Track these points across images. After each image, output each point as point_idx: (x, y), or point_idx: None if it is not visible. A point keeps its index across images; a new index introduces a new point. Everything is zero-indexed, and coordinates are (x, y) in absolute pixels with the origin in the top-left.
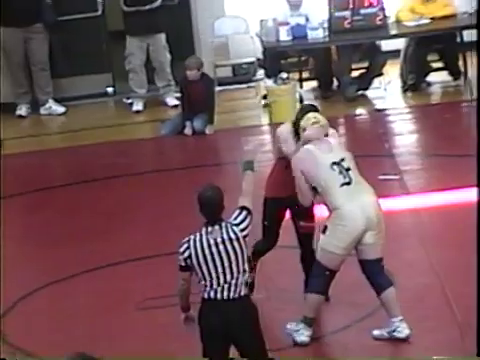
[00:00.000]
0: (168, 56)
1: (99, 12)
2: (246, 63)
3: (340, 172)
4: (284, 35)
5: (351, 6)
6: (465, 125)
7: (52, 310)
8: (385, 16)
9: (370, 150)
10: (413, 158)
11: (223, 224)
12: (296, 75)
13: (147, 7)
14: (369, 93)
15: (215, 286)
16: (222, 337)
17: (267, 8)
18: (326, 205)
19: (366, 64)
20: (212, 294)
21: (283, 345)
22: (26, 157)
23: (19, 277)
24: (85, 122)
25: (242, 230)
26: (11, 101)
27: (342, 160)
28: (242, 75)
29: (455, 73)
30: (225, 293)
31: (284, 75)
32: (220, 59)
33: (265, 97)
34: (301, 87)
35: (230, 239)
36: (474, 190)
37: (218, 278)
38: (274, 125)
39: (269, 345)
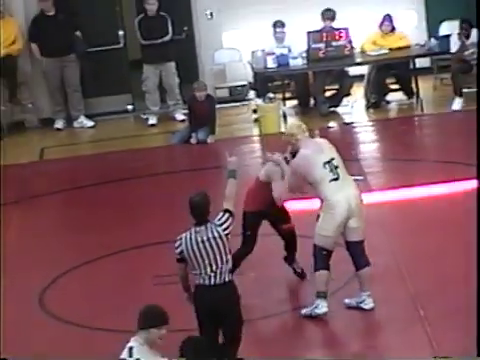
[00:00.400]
0: (177, 80)
1: (121, 44)
2: (240, 85)
3: (330, 170)
4: (271, 63)
5: (324, 39)
6: (417, 135)
7: (85, 286)
8: (352, 47)
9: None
10: (375, 162)
11: (208, 225)
12: (280, 95)
13: (160, 40)
14: (339, 109)
15: (203, 274)
16: (213, 316)
17: (257, 41)
18: (318, 196)
19: (337, 86)
20: (202, 281)
21: (268, 313)
22: (62, 162)
23: (57, 259)
24: (110, 133)
25: (224, 229)
26: (49, 117)
27: (332, 159)
28: (237, 95)
29: (409, 93)
30: (212, 280)
31: (271, 95)
32: (219, 82)
33: (255, 113)
34: (284, 105)
35: (214, 237)
36: (424, 188)
37: (205, 268)
38: (263, 135)
39: (254, 313)
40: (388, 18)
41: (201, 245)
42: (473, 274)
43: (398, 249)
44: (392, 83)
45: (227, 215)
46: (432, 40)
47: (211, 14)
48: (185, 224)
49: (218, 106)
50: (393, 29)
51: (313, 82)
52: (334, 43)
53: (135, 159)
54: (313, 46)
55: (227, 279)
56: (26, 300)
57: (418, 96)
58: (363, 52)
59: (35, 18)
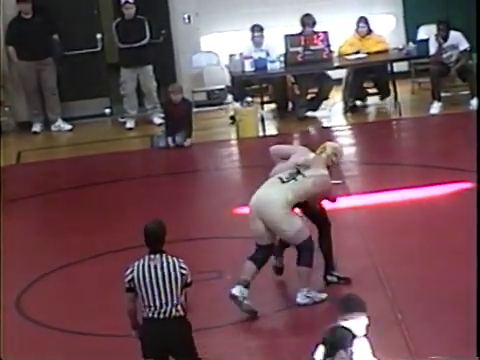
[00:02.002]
0: (155, 84)
1: (99, 48)
2: (218, 89)
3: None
4: (248, 67)
5: (303, 43)
6: (395, 139)
7: (62, 289)
8: (330, 51)
9: None
10: (353, 166)
11: (164, 255)
12: (258, 99)
13: (137, 44)
14: (317, 113)
15: (152, 306)
16: (159, 352)
17: (235, 45)
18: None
19: (316, 90)
20: (151, 314)
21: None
22: (40, 166)
23: (34, 262)
24: (88, 137)
25: (182, 268)
26: (27, 120)
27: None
28: (214, 99)
29: (384, 95)
30: (162, 313)
31: (248, 99)
32: (197, 86)
33: (233, 117)
34: (262, 109)
35: (168, 267)
36: (402, 192)
37: (155, 298)
38: (241, 139)
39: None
40: (363, 20)
41: (153, 272)
42: (451, 277)
43: (376, 253)
44: (370, 87)
45: (188, 272)
46: (410, 44)
47: (189, 18)
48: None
49: (196, 110)
50: (369, 31)
51: (292, 86)
52: (312, 47)
53: (113, 162)
54: (291, 50)
55: (178, 314)
56: (3, 303)
57: (396, 100)
58: (341, 56)
59: (12, 21)
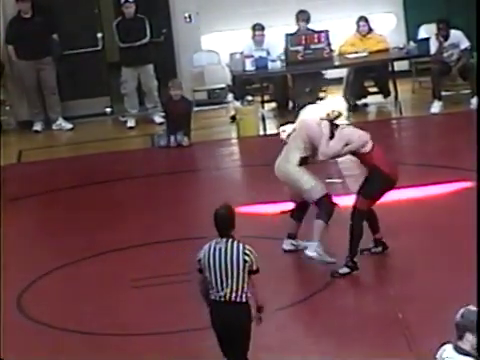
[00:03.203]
0: (155, 83)
1: (99, 47)
2: (218, 88)
3: None
4: (249, 66)
5: (303, 42)
6: (396, 138)
7: (63, 289)
8: (331, 50)
9: None
10: (353, 165)
11: (231, 240)
12: (259, 98)
13: (138, 43)
14: None
15: (214, 289)
16: (221, 334)
17: (235, 44)
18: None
19: (315, 88)
20: (213, 296)
21: None
22: (41, 165)
23: (35, 261)
24: (88, 136)
25: (245, 255)
26: (28, 119)
27: None
28: (215, 98)
29: (386, 94)
30: (224, 296)
31: (249, 98)
32: (197, 85)
33: (234, 116)
34: (263, 108)
35: (231, 252)
36: (403, 191)
37: (216, 283)
38: (241, 138)
39: None
40: (364, 19)
41: (217, 256)
42: (452, 276)
43: (377, 252)
44: (371, 86)
45: (255, 259)
46: (411, 43)
47: (190, 17)
48: (163, 227)
49: (197, 109)
50: (370, 30)
51: (292, 85)
52: (313, 46)
53: (113, 162)
54: (291, 49)
55: (238, 300)
56: (4, 302)
57: (397, 99)
58: (341, 55)
59: (12, 20)
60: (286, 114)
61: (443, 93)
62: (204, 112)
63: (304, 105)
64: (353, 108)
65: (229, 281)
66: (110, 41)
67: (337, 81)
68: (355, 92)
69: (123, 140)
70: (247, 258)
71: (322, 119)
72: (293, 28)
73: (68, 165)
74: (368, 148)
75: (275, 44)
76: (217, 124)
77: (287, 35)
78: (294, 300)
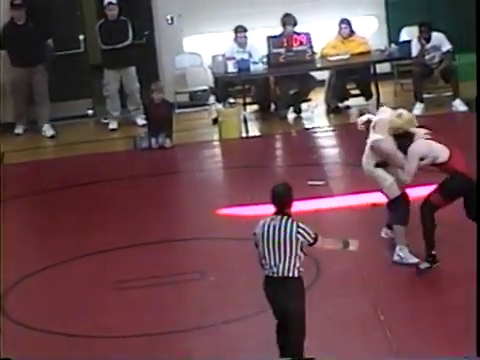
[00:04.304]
0: (138, 85)
1: (82, 49)
2: (201, 90)
3: None
4: (231, 68)
5: (285, 45)
6: None
7: (47, 290)
8: (313, 52)
9: (301, 161)
10: (336, 167)
11: (285, 217)
12: (241, 100)
13: (120, 45)
14: (300, 114)
15: (267, 265)
16: (275, 309)
17: (218, 46)
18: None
19: (297, 90)
20: (266, 271)
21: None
22: (24, 166)
23: (19, 262)
24: (71, 138)
25: (299, 233)
26: (11, 121)
27: None
28: (197, 100)
29: (368, 96)
30: (274, 273)
31: (231, 100)
32: (180, 87)
33: (216, 118)
34: (245, 110)
35: (285, 229)
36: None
37: (269, 258)
38: (223, 140)
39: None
40: (346, 22)
41: (271, 232)
42: (434, 278)
43: (360, 254)
44: (353, 88)
45: (314, 235)
46: (392, 45)
47: (172, 19)
48: (147, 229)
49: (179, 111)
50: (352, 33)
51: (274, 87)
52: (295, 48)
53: (96, 164)
54: (273, 51)
55: (291, 275)
56: None
57: (379, 101)
58: (323, 57)
59: (5, 26)
60: (268, 116)
61: (425, 95)
62: (186, 114)
63: (288, 107)
64: (335, 110)
65: (282, 258)
66: (92, 43)
67: (319, 83)
68: (337, 94)
69: (105, 142)
70: (300, 236)
71: (390, 133)
72: (276, 30)
73: (51, 167)
74: (443, 159)
75: (257, 46)
76: (199, 126)
77: (269, 37)
78: None
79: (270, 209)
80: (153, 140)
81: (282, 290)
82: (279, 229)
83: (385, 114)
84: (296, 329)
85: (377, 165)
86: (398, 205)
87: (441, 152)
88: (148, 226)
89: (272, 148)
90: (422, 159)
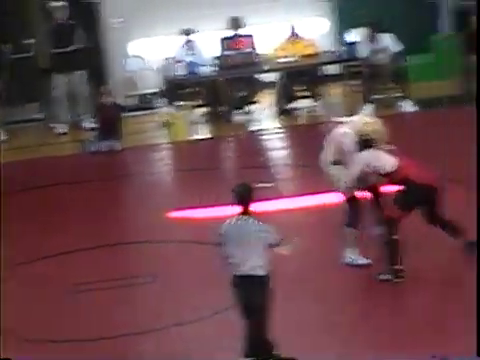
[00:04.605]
0: (87, 89)
1: (31, 53)
2: (150, 93)
3: None
4: (180, 70)
5: (235, 47)
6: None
7: (4, 293)
8: (258, 54)
9: (249, 163)
10: (285, 169)
11: (248, 216)
12: (190, 103)
13: (69, 49)
14: (249, 116)
15: (233, 264)
16: (242, 308)
17: (167, 49)
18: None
19: (245, 93)
20: (234, 271)
21: (181, 320)
22: None
23: None
24: (20, 142)
25: (261, 231)
26: None
27: None
28: (147, 103)
29: (317, 99)
30: (240, 271)
31: (181, 103)
32: (129, 90)
33: (165, 121)
34: (194, 112)
35: (249, 228)
36: (334, 194)
37: (234, 257)
38: (172, 143)
39: (167, 320)
40: (295, 24)
41: (236, 231)
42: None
43: (309, 255)
44: (301, 90)
45: (278, 237)
46: (341, 47)
47: (120, 22)
48: (99, 232)
49: (128, 114)
50: (301, 34)
51: (223, 89)
52: (243, 50)
53: (45, 168)
54: (225, 53)
55: (254, 273)
56: None
57: (328, 103)
58: (273, 59)
59: None
60: (217, 118)
61: (374, 96)
62: (135, 117)
63: (237, 109)
64: (284, 112)
65: (248, 256)
66: (42, 47)
67: (268, 85)
68: (286, 96)
69: (55, 146)
70: (263, 234)
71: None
72: (224, 32)
73: (4, 171)
74: (390, 168)
75: (206, 49)
76: (148, 129)
77: (223, 39)
78: (226, 305)
79: (220, 211)
80: (103, 143)
81: (249, 288)
82: (243, 227)
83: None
84: (255, 328)
85: (334, 163)
86: (351, 208)
87: (388, 162)
88: (101, 229)
89: (221, 150)
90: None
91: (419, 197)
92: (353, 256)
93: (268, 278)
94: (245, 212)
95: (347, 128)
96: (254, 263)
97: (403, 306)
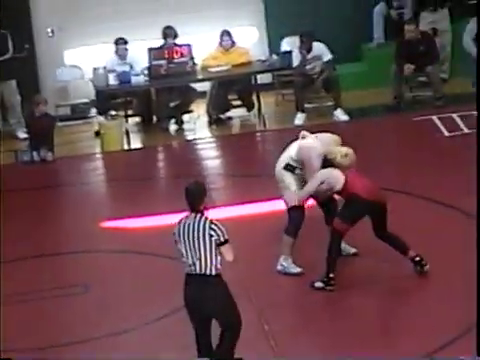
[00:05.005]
0: (19, 98)
1: None
2: (82, 103)
3: None
4: (112, 80)
5: (166, 56)
6: (259, 151)
7: None
8: (194, 64)
9: (183, 172)
10: (218, 178)
11: (199, 215)
12: (122, 112)
13: (0, 58)
14: (183, 126)
15: (186, 263)
16: (194, 308)
17: (99, 58)
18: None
19: (179, 102)
20: (186, 269)
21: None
22: None
23: None
24: None
25: (212, 229)
26: None
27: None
28: (79, 113)
29: (249, 107)
30: (193, 270)
31: (113, 113)
32: (61, 100)
33: (98, 131)
34: (127, 122)
35: (199, 227)
36: (268, 203)
37: (187, 256)
38: (105, 153)
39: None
40: (227, 33)
41: (186, 230)
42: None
43: (241, 264)
44: (234, 99)
45: (226, 237)
46: (273, 56)
47: (52, 32)
48: (32, 242)
49: (60, 124)
50: (233, 44)
51: (156, 99)
52: (176, 60)
53: None
54: (154, 63)
55: (209, 272)
56: None
57: (260, 112)
58: (205, 68)
59: None
60: (150, 128)
61: (306, 105)
62: (68, 127)
63: (170, 119)
64: (216, 121)
65: (199, 255)
66: None
67: (201, 95)
68: (219, 105)
69: None
70: (213, 233)
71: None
72: (157, 42)
73: None
74: (340, 186)
75: (138, 58)
76: (81, 139)
77: (150, 49)
78: (160, 314)
79: (154, 221)
80: (35, 153)
81: (202, 288)
82: (194, 226)
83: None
84: (225, 328)
85: (286, 167)
86: (294, 216)
87: (339, 179)
88: (33, 239)
89: (154, 160)
90: (322, 183)
91: (362, 211)
92: (285, 263)
93: (221, 278)
94: (195, 210)
95: (316, 144)
96: (205, 262)
97: (340, 311)
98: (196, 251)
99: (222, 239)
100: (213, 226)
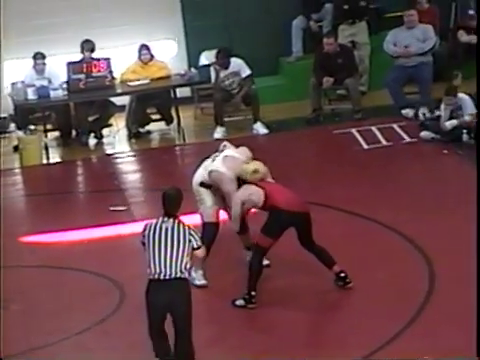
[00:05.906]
0: None
1: None
2: (0, 118)
3: None
4: (31, 95)
5: (85, 70)
6: (179, 164)
7: None
8: (113, 78)
9: (102, 186)
10: (138, 192)
11: (177, 220)
12: (41, 127)
13: None
14: (102, 140)
15: (157, 267)
16: (161, 313)
17: (17, 73)
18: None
19: (98, 116)
20: (155, 275)
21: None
22: None
23: None
24: None
25: (191, 235)
26: None
27: None
28: None
29: (169, 121)
30: (166, 275)
31: (32, 127)
32: None
33: (16, 145)
34: (46, 136)
35: (178, 232)
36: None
37: (160, 260)
38: (24, 167)
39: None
40: (145, 47)
41: (163, 234)
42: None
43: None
44: (153, 113)
45: (199, 241)
46: (192, 70)
47: None
48: None
49: None
50: (152, 57)
51: (75, 113)
52: (94, 74)
53: None
54: (73, 77)
55: (182, 276)
56: None
57: (180, 125)
58: (123, 82)
59: None
60: (69, 142)
61: (226, 119)
62: None
63: (89, 133)
64: (136, 135)
65: (173, 259)
66: None
67: (120, 109)
68: (138, 119)
69: None
70: (192, 238)
71: (240, 178)
72: (75, 56)
73: None
74: (261, 201)
75: (57, 72)
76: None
77: (69, 64)
78: (80, 328)
79: (74, 235)
80: None
81: (171, 292)
82: (172, 231)
83: (235, 152)
84: (186, 332)
85: (201, 184)
86: (207, 230)
87: (259, 195)
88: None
89: (73, 174)
90: (244, 204)
91: (284, 223)
92: (194, 274)
93: (188, 283)
94: (171, 215)
95: (224, 169)
96: (179, 266)
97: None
98: (172, 255)
99: (196, 245)
100: (192, 231)
